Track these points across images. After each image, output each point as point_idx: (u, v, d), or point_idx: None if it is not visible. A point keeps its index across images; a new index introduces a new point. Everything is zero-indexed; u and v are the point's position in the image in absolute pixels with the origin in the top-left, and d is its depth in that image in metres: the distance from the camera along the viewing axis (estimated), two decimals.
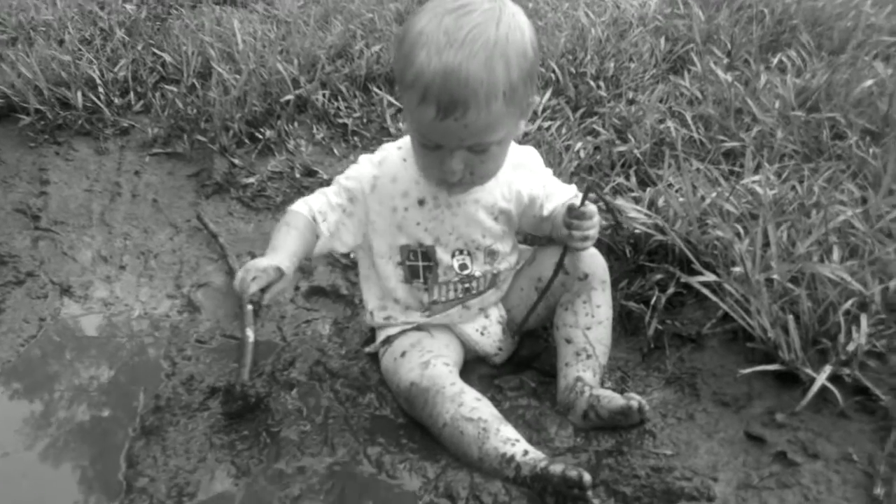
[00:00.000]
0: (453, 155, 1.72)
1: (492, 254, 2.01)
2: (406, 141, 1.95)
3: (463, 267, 2.00)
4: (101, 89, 3.57)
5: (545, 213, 2.00)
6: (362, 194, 1.95)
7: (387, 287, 2.05)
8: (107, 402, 2.17)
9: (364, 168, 1.98)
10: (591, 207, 1.86)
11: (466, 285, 2.03)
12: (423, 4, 1.70)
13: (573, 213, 1.85)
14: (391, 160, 1.96)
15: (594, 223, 1.87)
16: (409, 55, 1.63)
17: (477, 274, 2.02)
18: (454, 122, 1.63)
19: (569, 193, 2.03)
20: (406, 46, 1.65)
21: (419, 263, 2.00)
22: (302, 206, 1.96)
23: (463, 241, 1.98)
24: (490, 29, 1.60)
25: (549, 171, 2.08)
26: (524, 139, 2.74)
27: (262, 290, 1.72)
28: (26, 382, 2.25)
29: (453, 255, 1.99)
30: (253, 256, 2.69)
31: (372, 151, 3.03)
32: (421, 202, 1.94)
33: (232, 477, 1.83)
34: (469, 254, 1.99)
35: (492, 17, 1.62)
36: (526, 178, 2.00)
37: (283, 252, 1.80)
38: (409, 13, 3.99)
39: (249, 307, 2.37)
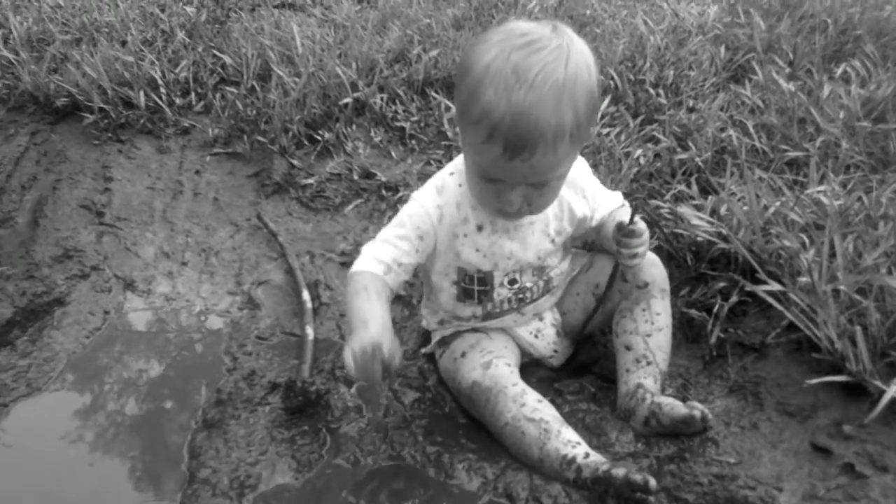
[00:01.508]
0: (513, 189, 1.71)
1: (541, 269, 2.01)
2: (457, 166, 1.93)
3: (513, 282, 2.00)
4: (162, 90, 3.62)
5: (594, 224, 2.02)
6: (432, 227, 1.90)
7: (438, 301, 2.06)
8: (169, 395, 2.20)
9: (426, 200, 1.91)
10: (641, 225, 1.86)
11: (520, 296, 2.03)
12: (489, 33, 1.67)
13: (622, 232, 1.85)
14: (449, 187, 1.91)
15: (643, 241, 1.88)
16: (475, 91, 1.60)
17: (528, 285, 2.02)
18: (521, 163, 1.62)
19: (616, 201, 2.04)
20: (471, 80, 1.62)
21: (474, 287, 1.99)
22: (370, 264, 1.87)
23: (519, 264, 1.97)
24: (559, 69, 1.57)
25: (596, 179, 2.06)
26: (584, 146, 2.73)
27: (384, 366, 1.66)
28: (91, 373, 2.30)
29: (506, 275, 1.98)
30: (311, 256, 2.72)
31: (430, 155, 3.11)
32: (480, 228, 1.91)
33: (292, 471, 1.85)
34: (520, 271, 1.99)
35: (560, 55, 1.58)
36: (577, 200, 1.98)
37: (376, 324, 1.70)
38: (465, 19, 4.02)
39: (309, 305, 2.40)
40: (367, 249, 1.91)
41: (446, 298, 2.04)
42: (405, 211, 1.93)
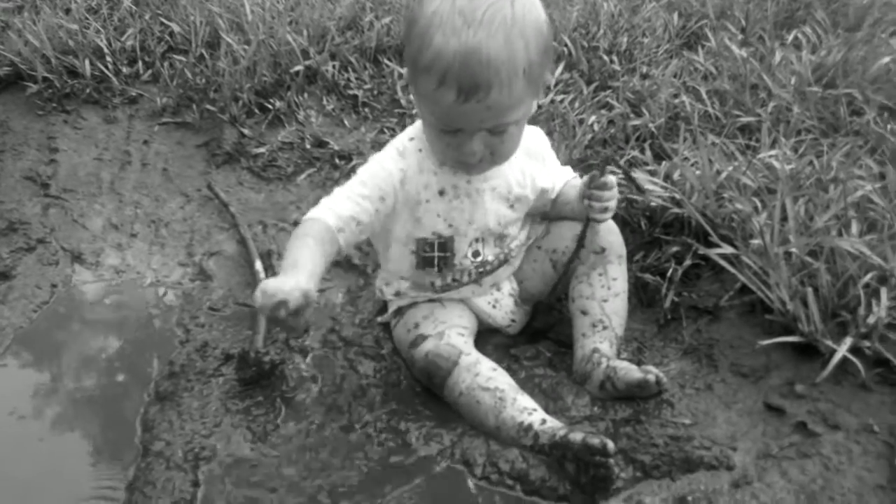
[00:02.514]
0: (473, 137, 1.70)
1: (501, 238, 2.00)
2: (416, 130, 1.91)
3: (476, 254, 1.99)
4: (108, 58, 3.53)
5: (553, 195, 2.03)
6: (394, 189, 1.87)
7: (398, 269, 2.04)
8: (121, 368, 2.17)
9: (388, 163, 1.88)
10: (611, 178, 1.87)
11: (480, 269, 2.02)
12: None
13: (594, 184, 1.85)
14: (410, 152, 1.89)
15: (613, 194, 1.89)
16: (423, 37, 1.60)
17: (490, 258, 2.01)
18: (476, 104, 1.60)
19: (567, 175, 2.06)
20: (419, 28, 1.61)
21: (434, 254, 1.97)
22: (327, 214, 1.80)
23: (480, 230, 1.95)
24: (506, 7, 1.58)
25: (552, 151, 2.07)
26: (538, 113, 2.72)
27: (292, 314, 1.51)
28: (40, 348, 2.25)
29: (469, 245, 1.97)
30: (264, 226, 2.68)
31: (383, 123, 3.08)
32: (441, 192, 1.89)
33: (247, 442, 1.83)
34: (482, 240, 1.98)
35: None
36: (539, 170, 1.99)
37: (304, 272, 1.59)
38: None
39: (262, 275, 2.37)
40: (325, 200, 1.85)
41: (406, 266, 2.02)
42: (366, 170, 1.89)
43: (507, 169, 1.92)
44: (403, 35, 1.71)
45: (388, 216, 1.91)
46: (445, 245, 1.96)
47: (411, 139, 1.92)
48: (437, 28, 1.58)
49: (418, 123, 1.90)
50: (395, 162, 1.88)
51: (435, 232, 1.93)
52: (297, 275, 1.58)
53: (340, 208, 1.82)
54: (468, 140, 1.70)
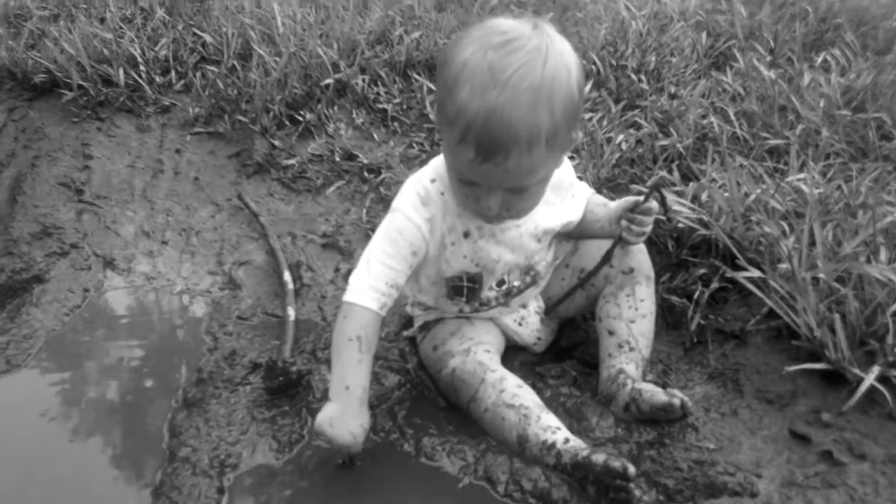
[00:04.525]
0: (491, 194, 1.67)
1: (528, 267, 2.00)
2: (437, 171, 1.88)
3: (501, 283, 1.99)
4: (142, 67, 3.60)
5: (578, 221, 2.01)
6: (424, 242, 1.85)
7: (425, 299, 2.06)
8: (149, 374, 2.20)
9: (412, 215, 1.84)
10: (654, 205, 1.87)
11: (507, 294, 2.03)
12: (470, 29, 1.62)
13: (638, 210, 1.86)
14: (433, 197, 1.85)
15: (652, 220, 1.90)
16: (451, 89, 1.55)
17: (515, 283, 2.01)
18: (494, 167, 1.57)
19: (587, 193, 2.03)
20: (448, 77, 1.57)
21: (464, 285, 1.97)
22: (368, 298, 1.82)
23: (508, 266, 1.95)
24: (536, 70, 1.52)
25: (574, 177, 2.04)
26: None
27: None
28: (71, 351, 2.29)
29: (495, 278, 1.97)
30: (293, 237, 2.71)
31: (412, 137, 3.10)
32: (466, 234, 1.87)
33: (273, 451, 1.85)
34: (508, 272, 1.98)
35: (538, 56, 1.53)
36: (566, 204, 1.97)
37: (359, 398, 1.76)
38: (448, 0, 4.00)
39: (290, 286, 2.40)
40: (362, 274, 1.85)
41: (433, 296, 2.03)
42: (393, 225, 1.86)
43: None
44: (436, 75, 1.69)
45: (421, 264, 1.92)
46: (474, 279, 1.96)
47: (433, 181, 1.87)
48: (465, 81, 1.53)
49: (438, 160, 1.88)
50: (419, 212, 1.85)
51: (463, 270, 1.93)
52: (359, 413, 1.75)
53: (379, 283, 1.83)
54: (486, 194, 1.68)
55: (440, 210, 1.85)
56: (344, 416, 1.73)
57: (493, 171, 1.58)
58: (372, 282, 1.83)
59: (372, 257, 1.86)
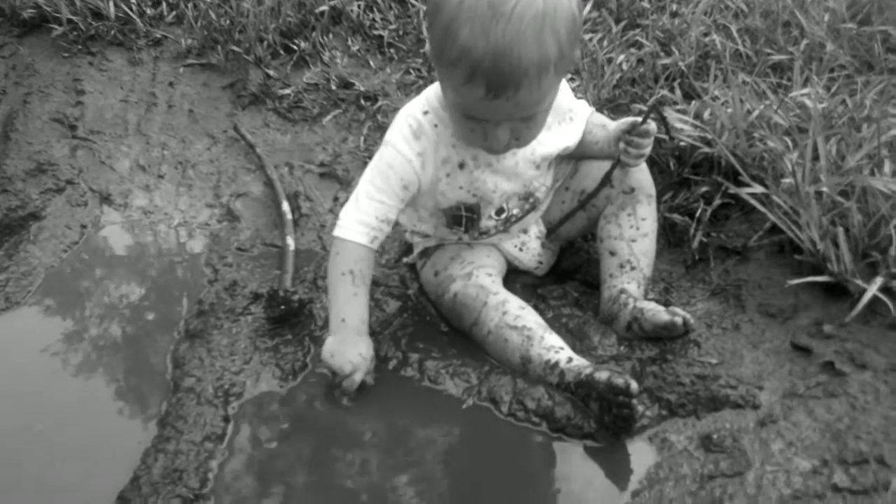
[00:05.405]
0: (499, 126, 1.65)
1: (527, 194, 1.98)
2: (430, 102, 1.84)
3: (500, 211, 1.97)
4: (132, 0, 3.52)
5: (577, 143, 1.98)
6: (416, 176, 1.84)
7: (424, 228, 2.05)
8: (150, 307, 2.20)
9: (403, 149, 1.82)
10: (652, 125, 1.84)
11: (507, 222, 2.01)
12: None
13: (636, 132, 1.82)
14: (426, 130, 1.83)
15: (651, 141, 1.86)
16: (449, 29, 1.49)
17: (515, 212, 1.99)
18: (505, 102, 1.54)
19: (587, 108, 2.00)
20: (445, 18, 1.50)
21: (462, 214, 1.95)
22: (357, 233, 1.85)
23: (505, 194, 1.93)
24: (537, 0, 1.46)
25: (570, 91, 2.00)
26: None
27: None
28: (70, 287, 2.29)
29: (494, 207, 1.95)
30: (290, 168, 2.69)
31: (409, 63, 3.05)
32: (461, 165, 1.85)
33: (276, 379, 1.86)
34: (506, 200, 1.95)
35: None
36: (564, 127, 1.94)
37: (356, 328, 1.83)
38: None
39: (288, 216, 2.38)
40: (352, 208, 1.86)
41: (433, 226, 2.02)
42: (384, 160, 1.85)
43: None
44: (428, 16, 1.63)
45: (414, 197, 1.91)
46: (472, 208, 1.94)
47: (425, 113, 1.84)
48: (464, 20, 1.47)
49: (431, 91, 1.85)
50: (411, 146, 1.83)
51: (460, 202, 1.91)
52: (357, 342, 1.81)
53: (369, 217, 1.84)
54: (494, 128, 1.65)
55: (432, 142, 1.83)
56: (343, 346, 1.79)
57: (503, 105, 1.56)
58: (362, 216, 1.84)
59: (362, 192, 1.86)
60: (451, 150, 1.83)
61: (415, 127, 1.83)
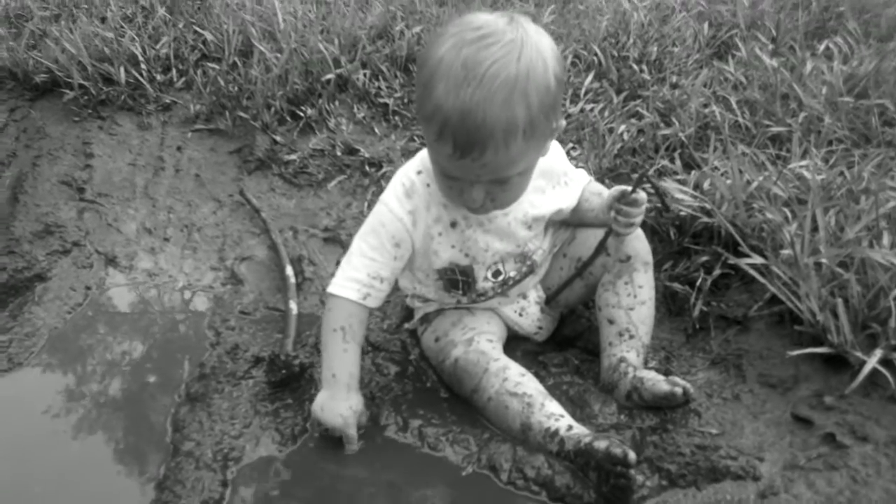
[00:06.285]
0: (473, 186, 1.67)
1: (522, 255, 1.99)
2: (425, 164, 1.88)
3: (496, 274, 1.98)
4: (143, 66, 3.59)
5: (573, 206, 2.00)
6: (407, 233, 1.87)
7: (423, 292, 2.06)
8: (152, 370, 2.20)
9: (395, 207, 1.86)
10: (642, 195, 1.85)
11: (504, 283, 2.02)
12: (447, 25, 1.61)
13: (624, 200, 1.84)
14: (418, 189, 1.86)
15: (642, 210, 1.87)
16: (427, 85, 1.56)
17: (511, 273, 2.00)
18: (471, 162, 1.57)
19: (584, 177, 2.02)
20: (425, 74, 1.57)
21: (458, 278, 1.97)
22: (349, 289, 1.88)
23: (499, 254, 1.95)
24: (511, 65, 1.51)
25: (565, 157, 2.03)
26: (567, 123, 2.73)
27: None
28: (73, 349, 2.29)
29: (488, 268, 1.97)
30: (294, 232, 2.71)
31: (413, 131, 3.10)
32: (453, 224, 1.88)
33: (276, 444, 1.85)
34: (501, 262, 1.97)
35: (513, 49, 1.52)
36: (557, 190, 1.96)
37: (346, 383, 1.85)
38: None
39: (292, 280, 2.40)
40: (344, 265, 1.91)
41: (431, 290, 2.03)
42: (377, 218, 1.89)
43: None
44: (415, 72, 1.68)
45: (410, 258, 1.93)
46: (465, 272, 1.96)
47: (419, 173, 1.88)
48: (440, 78, 1.53)
49: (425, 153, 1.87)
50: (402, 204, 1.86)
51: (453, 262, 1.93)
52: (347, 397, 1.84)
53: (359, 274, 1.88)
54: (469, 188, 1.68)
55: (424, 201, 1.86)
56: (333, 401, 1.82)
57: (471, 165, 1.59)
58: (352, 273, 1.88)
59: (355, 249, 1.90)
60: (442, 210, 1.86)
61: (407, 186, 1.87)
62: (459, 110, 1.51)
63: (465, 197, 1.71)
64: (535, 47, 1.55)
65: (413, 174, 1.88)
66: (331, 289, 1.89)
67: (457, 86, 1.51)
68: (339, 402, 1.82)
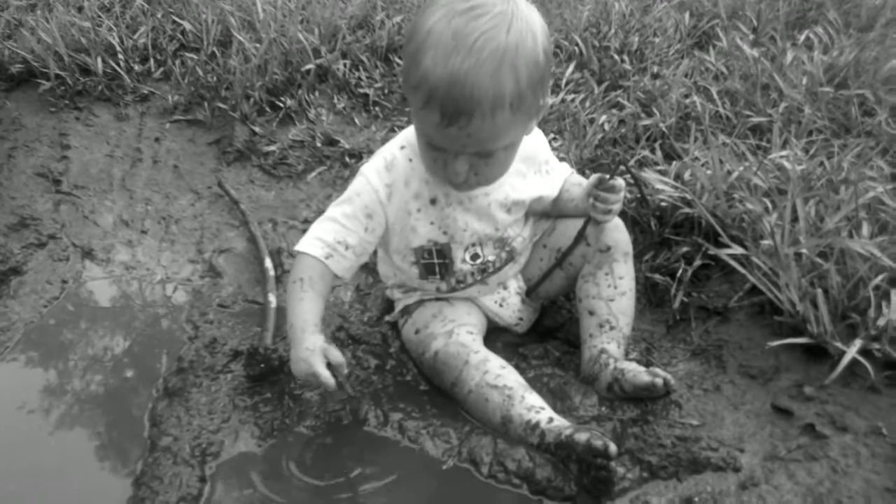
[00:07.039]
0: (457, 158, 1.68)
1: (501, 240, 1.99)
2: (408, 138, 1.89)
3: (475, 257, 1.98)
4: (120, 56, 3.56)
5: (553, 196, 2.01)
6: (380, 205, 1.88)
7: (402, 279, 2.06)
8: (129, 364, 2.17)
9: (373, 179, 1.87)
10: (620, 182, 1.85)
11: (483, 269, 2.01)
12: None
13: (602, 186, 1.84)
14: (399, 163, 1.87)
15: (620, 197, 1.87)
16: (415, 55, 1.57)
17: (490, 258, 2.00)
18: (458, 131, 1.58)
19: (567, 169, 2.04)
20: (413, 44, 1.58)
21: (434, 261, 1.97)
22: (314, 246, 1.89)
23: (477, 235, 1.94)
24: (500, 35, 1.52)
25: (551, 153, 2.04)
26: (548, 112, 2.72)
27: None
28: (50, 343, 2.26)
29: (466, 250, 1.96)
30: (274, 224, 2.69)
31: (393, 122, 3.08)
32: (433, 201, 1.88)
33: (255, 438, 1.84)
34: (479, 244, 1.97)
35: (503, 21, 1.53)
36: (539, 177, 1.97)
37: (301, 327, 1.79)
38: None
39: (271, 273, 2.38)
40: (314, 227, 1.92)
41: (409, 276, 2.02)
42: (353, 188, 1.90)
43: (503, 177, 1.88)
44: (403, 43, 1.68)
45: (384, 233, 1.93)
46: (443, 251, 1.95)
47: (402, 147, 1.89)
48: (429, 48, 1.54)
49: (410, 130, 1.88)
50: (381, 177, 1.87)
51: (430, 239, 1.93)
52: (304, 339, 1.76)
53: (326, 235, 1.88)
54: (453, 159, 1.68)
55: (404, 176, 1.87)
56: (294, 350, 1.77)
57: (456, 134, 1.59)
58: (320, 234, 1.90)
59: (327, 215, 1.92)
60: (423, 186, 1.87)
61: (388, 160, 1.88)
62: (447, 78, 1.52)
63: (448, 170, 1.71)
64: (525, 20, 1.56)
65: (396, 149, 1.89)
66: (297, 246, 1.91)
67: (446, 55, 1.52)
68: (297, 349, 1.75)
